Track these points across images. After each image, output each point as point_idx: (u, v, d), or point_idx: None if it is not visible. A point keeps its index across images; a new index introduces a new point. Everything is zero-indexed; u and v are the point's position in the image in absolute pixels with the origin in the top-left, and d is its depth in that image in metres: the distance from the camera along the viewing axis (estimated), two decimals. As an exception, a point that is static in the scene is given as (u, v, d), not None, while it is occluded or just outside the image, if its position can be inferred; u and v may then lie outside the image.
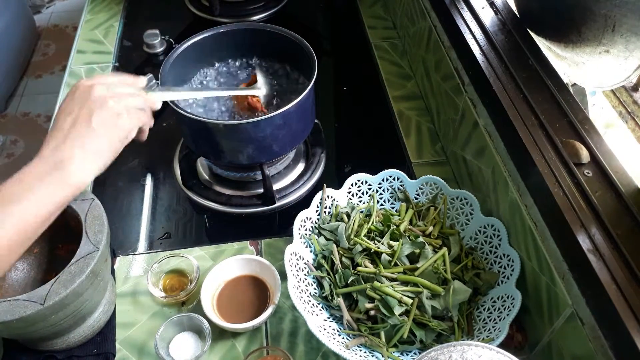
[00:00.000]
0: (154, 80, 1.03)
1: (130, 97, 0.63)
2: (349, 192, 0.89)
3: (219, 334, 0.78)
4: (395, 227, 0.83)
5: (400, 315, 0.73)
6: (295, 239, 0.82)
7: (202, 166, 1.01)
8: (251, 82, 0.95)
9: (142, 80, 0.68)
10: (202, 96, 0.91)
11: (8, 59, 2.37)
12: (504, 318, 0.71)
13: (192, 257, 0.84)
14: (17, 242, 0.54)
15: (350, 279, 0.77)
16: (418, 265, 0.78)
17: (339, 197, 0.89)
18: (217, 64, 1.01)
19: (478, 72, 0.85)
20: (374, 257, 0.80)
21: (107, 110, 0.60)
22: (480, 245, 0.83)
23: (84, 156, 0.58)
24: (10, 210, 0.53)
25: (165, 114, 1.13)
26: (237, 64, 1.01)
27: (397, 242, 0.80)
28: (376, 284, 0.75)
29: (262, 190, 0.96)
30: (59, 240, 0.79)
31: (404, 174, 0.90)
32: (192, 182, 0.98)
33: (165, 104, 0.77)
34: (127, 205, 0.97)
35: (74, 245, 0.68)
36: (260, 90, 0.92)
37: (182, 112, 0.82)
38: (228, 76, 1.00)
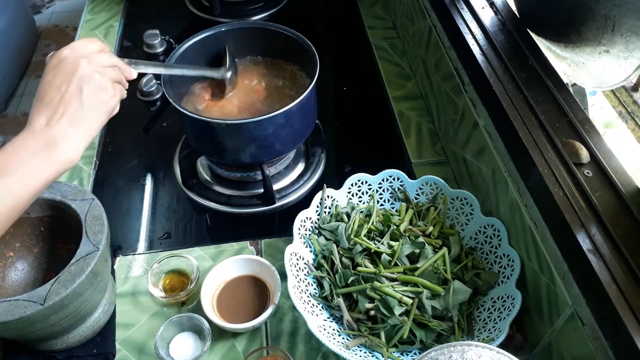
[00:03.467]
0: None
1: (111, 70, 0.64)
2: (349, 192, 0.89)
3: (219, 334, 0.78)
4: (395, 227, 0.83)
5: (400, 315, 0.73)
6: (295, 239, 0.82)
7: (202, 166, 1.01)
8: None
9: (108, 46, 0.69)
10: (170, 73, 0.86)
11: (8, 59, 2.37)
12: (504, 318, 0.71)
13: (192, 257, 0.84)
14: (4, 215, 0.55)
15: (350, 279, 0.77)
16: (418, 265, 0.77)
17: (339, 197, 0.89)
18: (217, 64, 1.01)
19: (478, 72, 0.85)
20: (374, 257, 0.80)
21: (95, 85, 0.60)
22: (480, 245, 0.83)
23: (75, 134, 0.59)
24: (3, 182, 0.54)
25: (166, 113, 1.14)
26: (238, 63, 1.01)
27: (397, 242, 0.80)
28: (376, 284, 0.75)
29: (262, 190, 0.96)
30: (59, 240, 0.79)
31: (404, 174, 0.90)
32: (192, 182, 0.98)
33: (167, 103, 0.77)
34: (127, 205, 0.97)
35: (73, 245, 0.68)
36: (223, 73, 0.93)
37: (185, 112, 0.82)
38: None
